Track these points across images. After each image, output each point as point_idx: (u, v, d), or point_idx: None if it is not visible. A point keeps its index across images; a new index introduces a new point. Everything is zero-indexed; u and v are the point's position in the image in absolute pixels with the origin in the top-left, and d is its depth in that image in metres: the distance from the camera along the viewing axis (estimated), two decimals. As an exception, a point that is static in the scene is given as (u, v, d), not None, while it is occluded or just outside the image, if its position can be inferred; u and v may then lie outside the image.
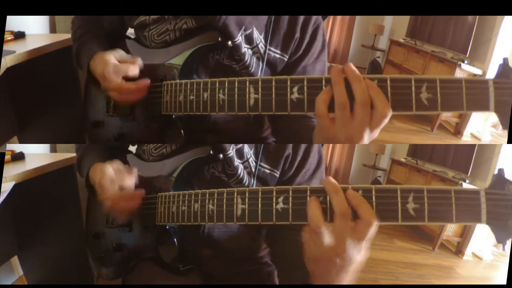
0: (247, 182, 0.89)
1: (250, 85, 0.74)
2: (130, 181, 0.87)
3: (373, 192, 0.64)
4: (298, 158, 0.92)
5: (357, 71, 0.67)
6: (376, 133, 0.69)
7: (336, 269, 0.67)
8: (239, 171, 0.88)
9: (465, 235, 2.84)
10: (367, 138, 0.69)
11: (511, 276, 1.00)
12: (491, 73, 2.97)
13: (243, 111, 0.75)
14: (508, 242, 0.62)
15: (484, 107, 0.64)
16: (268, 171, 0.91)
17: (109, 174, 0.86)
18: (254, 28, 0.87)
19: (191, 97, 0.80)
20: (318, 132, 0.76)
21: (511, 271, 1.07)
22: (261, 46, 0.88)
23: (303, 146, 0.92)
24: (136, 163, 0.95)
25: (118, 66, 0.84)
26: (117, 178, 0.86)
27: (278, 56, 0.89)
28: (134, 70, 0.85)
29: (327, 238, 0.64)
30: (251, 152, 0.90)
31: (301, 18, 0.90)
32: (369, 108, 0.66)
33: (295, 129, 0.89)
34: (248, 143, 0.90)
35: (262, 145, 0.91)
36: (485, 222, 0.62)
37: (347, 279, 0.69)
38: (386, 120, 0.67)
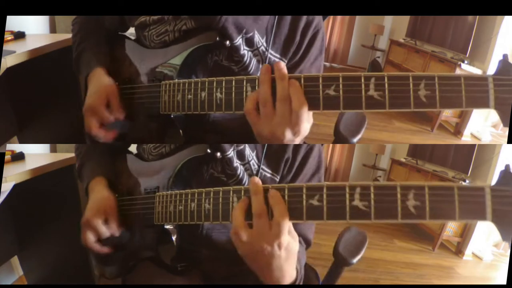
0: (246, 184, 0.89)
1: (247, 84, 0.74)
2: (107, 234, 0.89)
3: (372, 189, 0.64)
4: (297, 162, 0.92)
5: (283, 69, 0.71)
6: (299, 131, 0.71)
7: (265, 266, 0.71)
8: (239, 171, 0.88)
9: (465, 235, 2.84)
10: (289, 135, 0.72)
11: (511, 276, 1.00)
12: (491, 73, 2.96)
13: (240, 110, 0.75)
14: (508, 242, 0.61)
15: (484, 104, 0.63)
16: (269, 175, 0.91)
17: (95, 215, 0.89)
18: (256, 32, 0.87)
19: (189, 96, 0.80)
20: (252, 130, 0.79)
21: (511, 271, 1.07)
22: (262, 49, 0.88)
23: (302, 150, 0.92)
24: (135, 162, 0.96)
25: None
26: (99, 230, 0.88)
27: (277, 60, 0.89)
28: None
29: (245, 237, 0.69)
30: (253, 154, 0.90)
31: (303, 22, 0.89)
32: (288, 105, 0.70)
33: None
34: (248, 143, 0.90)
35: (265, 148, 0.91)
36: (490, 220, 0.60)
37: (285, 275, 0.73)
38: (303, 117, 0.70)
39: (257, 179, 0.70)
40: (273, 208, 0.68)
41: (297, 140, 0.74)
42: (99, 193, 0.92)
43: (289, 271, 0.74)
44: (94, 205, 0.90)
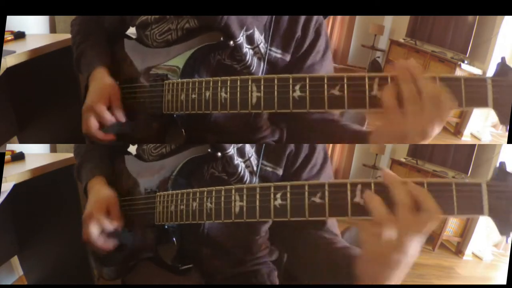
0: (248, 181, 0.89)
1: (252, 83, 0.74)
2: (111, 228, 0.89)
3: (372, 186, 0.65)
4: (302, 154, 0.91)
5: (419, 66, 0.68)
6: (441, 126, 0.69)
7: (392, 266, 0.65)
8: (240, 169, 0.88)
9: (465, 235, 2.84)
10: (436, 132, 0.69)
11: (511, 276, 1.00)
12: (491, 73, 2.96)
13: (245, 109, 0.75)
14: (511, 235, 0.62)
15: (482, 103, 0.66)
16: (270, 169, 0.91)
17: (97, 210, 0.88)
18: (255, 29, 0.87)
19: (193, 96, 0.80)
20: (383, 129, 0.74)
21: (511, 271, 1.07)
22: (262, 46, 0.88)
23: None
24: (135, 163, 0.96)
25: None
26: (102, 223, 0.88)
27: (279, 56, 0.89)
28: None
29: (391, 232, 0.63)
30: (253, 150, 0.90)
31: (302, 17, 0.90)
32: (437, 101, 0.66)
33: (319, 131, 0.90)
34: (248, 143, 0.90)
35: (264, 143, 0.91)
36: (487, 214, 0.62)
37: (399, 275, 0.67)
38: (450, 113, 0.68)
39: (388, 171, 0.65)
40: (422, 200, 0.62)
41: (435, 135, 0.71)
42: (99, 190, 0.91)
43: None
44: (96, 201, 0.89)
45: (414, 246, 0.64)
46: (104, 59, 0.92)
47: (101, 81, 0.89)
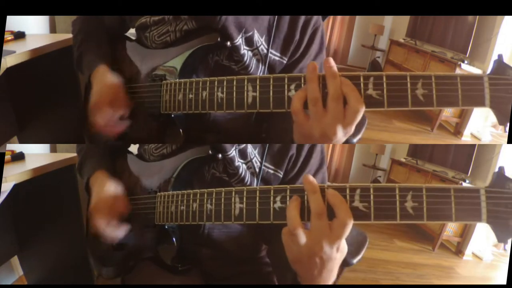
0: (249, 182, 0.89)
1: (248, 83, 0.75)
2: (121, 211, 0.89)
3: (371, 191, 0.65)
4: (301, 158, 0.92)
5: (334, 67, 0.68)
6: (351, 130, 0.70)
7: (318, 269, 0.68)
8: (241, 170, 0.88)
9: (465, 235, 2.84)
10: (341, 135, 0.70)
11: (511, 276, 1.00)
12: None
13: (241, 109, 0.75)
14: (509, 241, 0.62)
15: (479, 103, 0.65)
16: (272, 171, 0.91)
17: (104, 200, 0.88)
18: (255, 31, 0.87)
19: (190, 96, 0.81)
20: (295, 129, 0.76)
21: (511, 271, 1.07)
22: (261, 48, 0.88)
23: (306, 146, 0.92)
24: (136, 162, 0.96)
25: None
26: (110, 206, 0.88)
27: (277, 58, 0.90)
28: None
29: (304, 239, 0.66)
30: (255, 152, 0.90)
31: (301, 20, 0.90)
32: (341, 104, 0.68)
33: (283, 127, 0.90)
34: (247, 143, 0.90)
35: (267, 145, 0.91)
36: (485, 221, 0.61)
37: (331, 277, 0.70)
38: (359, 116, 0.68)
39: (311, 177, 0.67)
40: (336, 208, 0.65)
41: (344, 140, 0.72)
42: (103, 183, 0.91)
43: (335, 272, 0.71)
44: (101, 194, 0.89)
45: (333, 251, 0.66)
46: (105, 57, 0.92)
47: (104, 78, 0.89)
